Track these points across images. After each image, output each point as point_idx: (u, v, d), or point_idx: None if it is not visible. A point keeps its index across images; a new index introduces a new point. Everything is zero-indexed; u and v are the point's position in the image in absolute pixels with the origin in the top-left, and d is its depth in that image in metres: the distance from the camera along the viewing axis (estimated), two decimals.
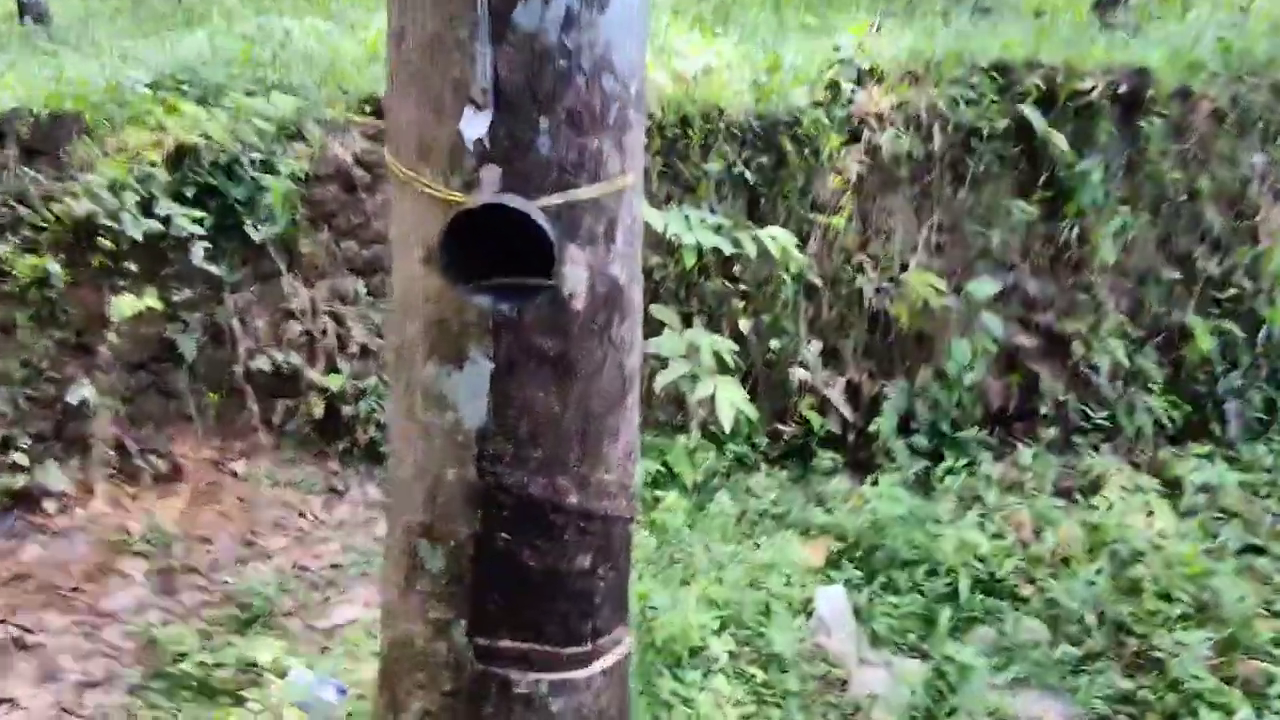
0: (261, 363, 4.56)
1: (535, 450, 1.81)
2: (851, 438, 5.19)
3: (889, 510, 4.21)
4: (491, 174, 1.60)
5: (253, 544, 4.13)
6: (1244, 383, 5.70)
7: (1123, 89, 5.33)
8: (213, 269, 4.39)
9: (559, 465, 1.84)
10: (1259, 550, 4.11)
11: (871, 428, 5.00)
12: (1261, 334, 5.72)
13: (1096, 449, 5.32)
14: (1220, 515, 4.54)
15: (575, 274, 1.71)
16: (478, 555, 1.87)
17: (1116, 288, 5.73)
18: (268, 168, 4.42)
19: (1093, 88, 5.29)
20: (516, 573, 1.89)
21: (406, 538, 1.97)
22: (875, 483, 4.62)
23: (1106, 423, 5.39)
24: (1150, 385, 5.59)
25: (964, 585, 3.72)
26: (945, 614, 3.54)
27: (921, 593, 3.78)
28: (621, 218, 1.78)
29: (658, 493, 4.25)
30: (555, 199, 1.65)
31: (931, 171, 5.21)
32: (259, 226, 4.43)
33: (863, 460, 5.12)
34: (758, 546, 4.12)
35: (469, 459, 1.80)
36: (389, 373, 2.15)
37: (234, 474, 4.47)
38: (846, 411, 5.11)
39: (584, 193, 1.68)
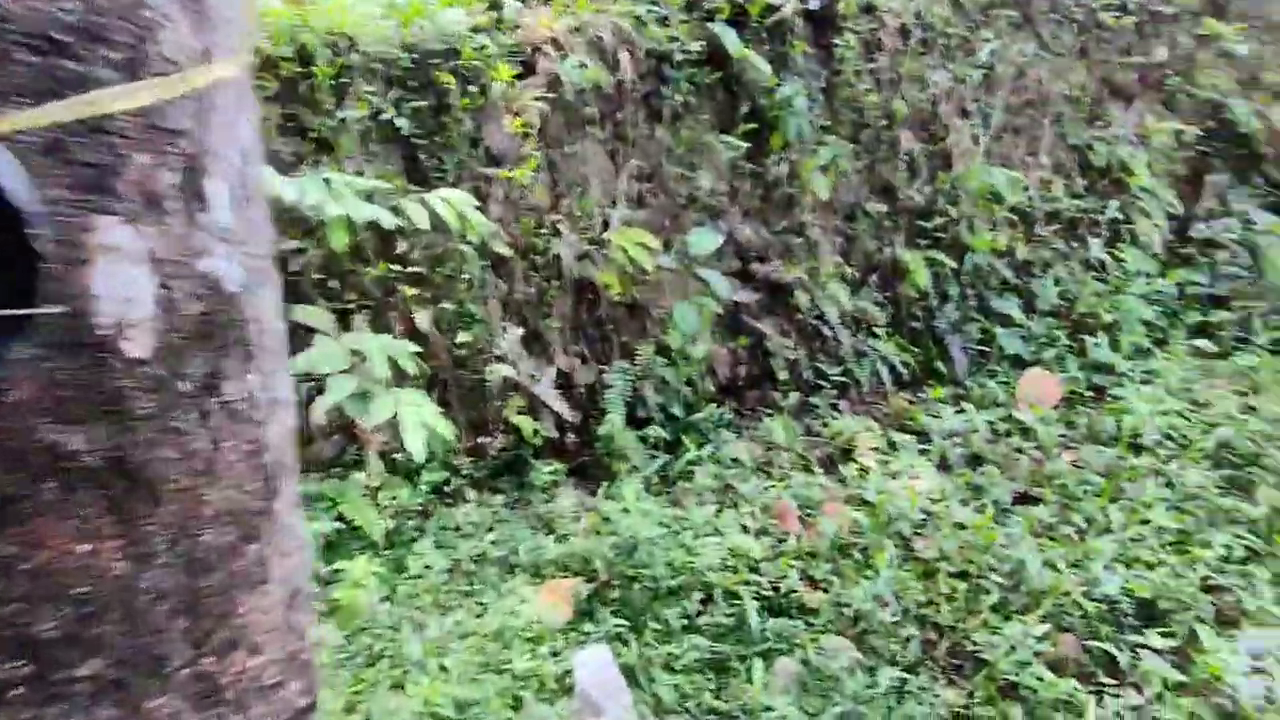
0: None
1: (84, 659, 0.93)
2: (572, 439, 4.57)
3: (637, 527, 3.62)
4: None
5: None
6: (959, 315, 5.82)
7: (813, 4, 5.13)
8: None
9: (146, 676, 0.97)
10: (1031, 500, 4.03)
11: (602, 429, 4.38)
12: (967, 262, 5.86)
13: (835, 406, 5.15)
14: (973, 461, 4.49)
15: (121, 280, 0.85)
16: None
17: (828, 226, 5.59)
18: None
19: (783, 4, 5.02)
20: None
21: None
22: (611, 496, 4.03)
23: (842, 378, 5.23)
24: (874, 329, 5.53)
25: (750, 611, 3.22)
26: (748, 660, 3.01)
27: (700, 631, 3.24)
28: (213, 152, 0.93)
29: (337, 564, 3.33)
30: (40, 113, 0.78)
31: (624, 108, 4.67)
32: None
33: (588, 466, 4.51)
34: (484, 608, 3.36)
35: None
36: None
37: None
38: (562, 409, 4.46)
39: (116, 97, 0.82)
